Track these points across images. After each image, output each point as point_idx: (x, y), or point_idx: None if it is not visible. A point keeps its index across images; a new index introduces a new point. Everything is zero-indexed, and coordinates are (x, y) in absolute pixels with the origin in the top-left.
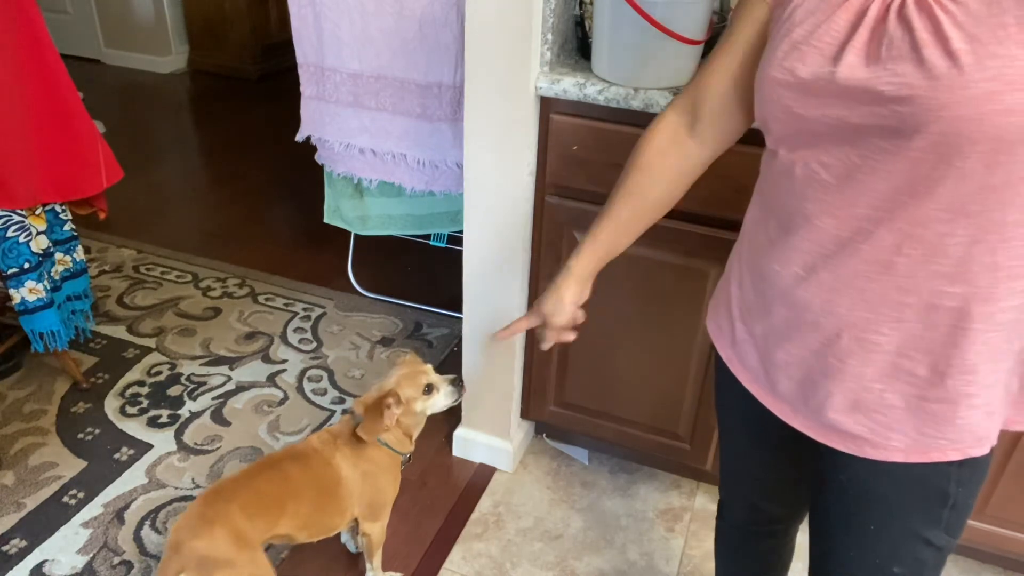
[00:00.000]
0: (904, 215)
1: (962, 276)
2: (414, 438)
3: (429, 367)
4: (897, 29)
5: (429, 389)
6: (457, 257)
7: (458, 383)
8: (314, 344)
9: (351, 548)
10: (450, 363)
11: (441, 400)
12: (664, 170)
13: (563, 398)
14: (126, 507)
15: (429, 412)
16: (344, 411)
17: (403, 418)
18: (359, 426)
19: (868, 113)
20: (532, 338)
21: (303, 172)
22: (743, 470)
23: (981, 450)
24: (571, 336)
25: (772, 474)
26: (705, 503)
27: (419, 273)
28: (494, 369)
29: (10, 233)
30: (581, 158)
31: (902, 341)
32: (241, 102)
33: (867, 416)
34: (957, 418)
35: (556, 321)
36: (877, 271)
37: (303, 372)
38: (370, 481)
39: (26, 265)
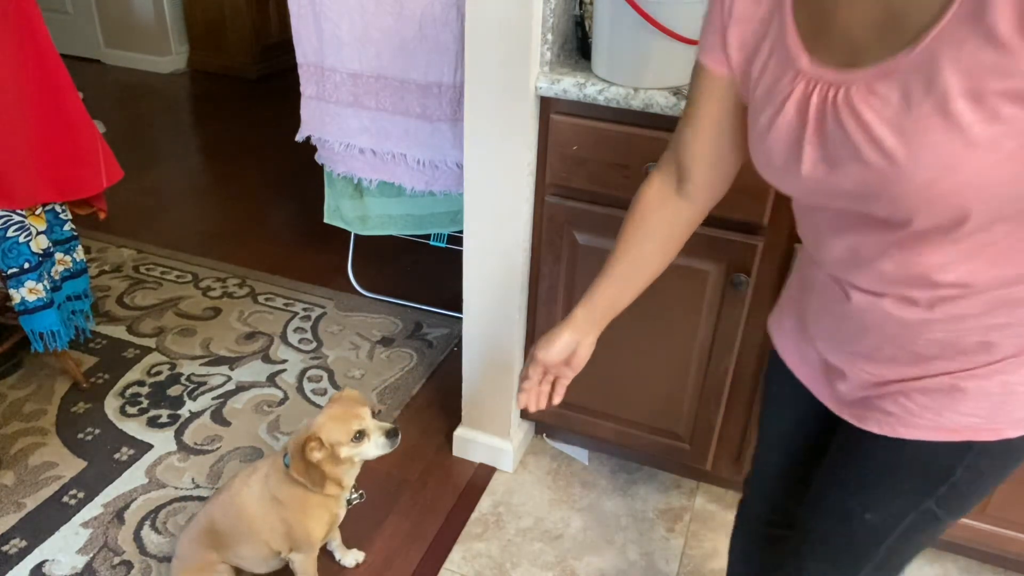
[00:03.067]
0: (919, 265)
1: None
2: (346, 484)
3: (366, 410)
4: (836, 132)
5: (360, 436)
6: (457, 257)
7: (393, 435)
8: (314, 344)
9: (336, 556)
10: (450, 363)
11: (371, 450)
12: (657, 225)
13: (563, 398)
14: (126, 507)
15: (359, 460)
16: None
17: (327, 464)
18: (290, 467)
19: (847, 202)
20: (532, 338)
21: (303, 172)
22: (778, 467)
23: (1017, 431)
24: (569, 375)
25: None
26: (705, 503)
27: (419, 273)
28: (494, 369)
29: (10, 233)
30: (581, 158)
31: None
32: (241, 102)
33: (895, 402)
34: (992, 394)
35: (544, 357)
36: (906, 304)
37: (303, 372)
38: (281, 516)
39: (26, 265)
